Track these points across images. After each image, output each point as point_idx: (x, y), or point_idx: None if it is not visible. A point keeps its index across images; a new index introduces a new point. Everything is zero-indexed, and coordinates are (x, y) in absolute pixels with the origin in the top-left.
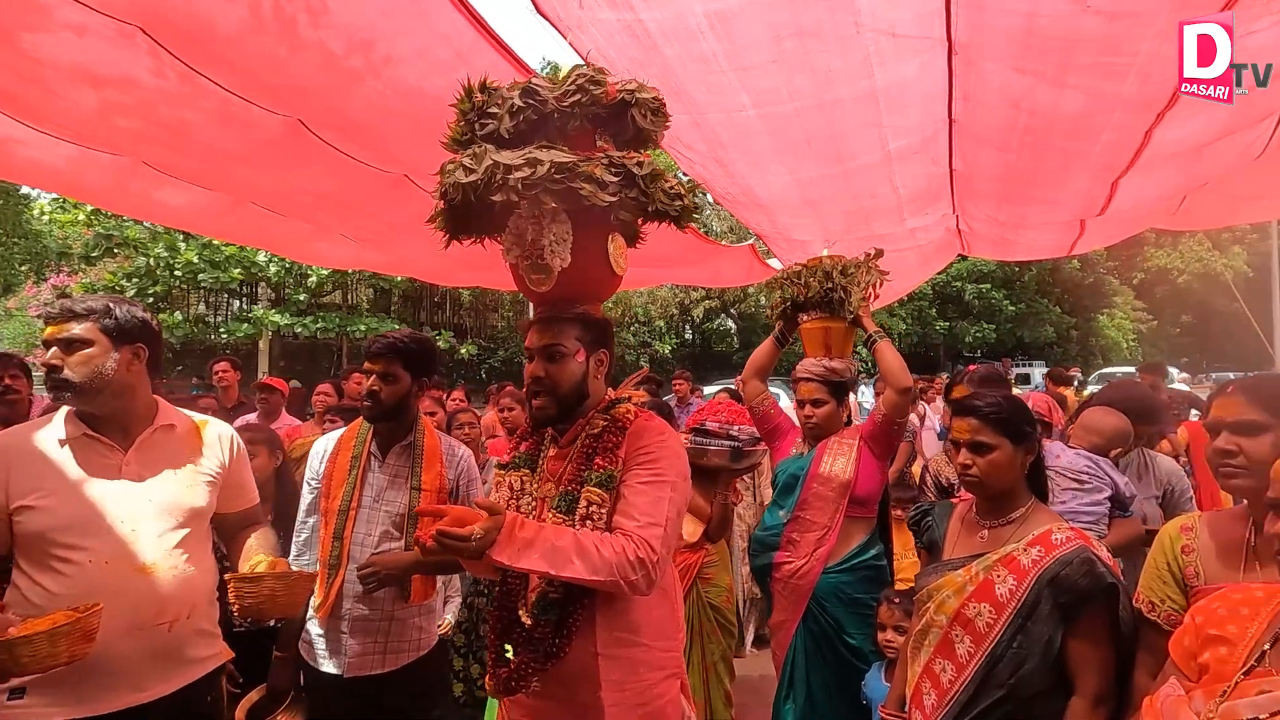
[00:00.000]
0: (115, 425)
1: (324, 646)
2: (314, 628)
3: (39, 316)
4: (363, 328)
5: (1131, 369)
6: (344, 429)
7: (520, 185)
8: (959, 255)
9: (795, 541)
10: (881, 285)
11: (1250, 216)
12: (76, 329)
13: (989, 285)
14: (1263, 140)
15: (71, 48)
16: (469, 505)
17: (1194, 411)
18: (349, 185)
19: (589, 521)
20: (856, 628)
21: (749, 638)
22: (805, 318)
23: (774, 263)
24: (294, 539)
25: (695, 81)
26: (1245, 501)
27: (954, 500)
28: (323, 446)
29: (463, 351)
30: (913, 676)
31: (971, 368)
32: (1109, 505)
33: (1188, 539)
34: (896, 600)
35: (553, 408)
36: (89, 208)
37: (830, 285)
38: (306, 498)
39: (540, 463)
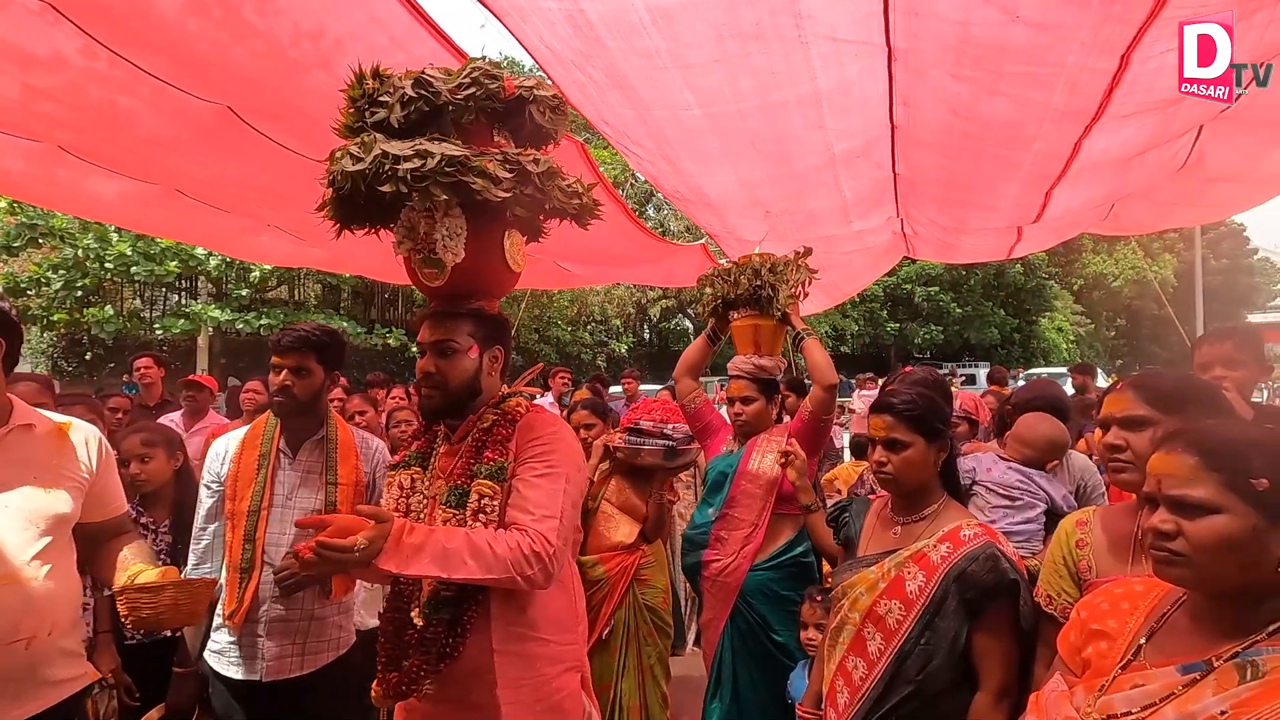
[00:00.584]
0: None
1: (237, 654)
2: (224, 635)
3: None
4: None
5: (1061, 370)
6: (245, 428)
7: (410, 177)
8: (905, 258)
9: (723, 539)
10: (810, 283)
11: (1175, 222)
12: None
13: (937, 288)
14: (1183, 153)
15: None
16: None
17: None
18: (287, 177)
19: (481, 515)
20: (783, 624)
21: (690, 637)
22: (736, 315)
23: (726, 263)
24: (192, 546)
25: (639, 77)
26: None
27: (871, 497)
28: (223, 447)
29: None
30: (828, 674)
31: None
32: (1045, 520)
33: (1082, 533)
34: (819, 598)
35: (440, 401)
36: None
37: (759, 283)
38: (205, 503)
39: (432, 461)
